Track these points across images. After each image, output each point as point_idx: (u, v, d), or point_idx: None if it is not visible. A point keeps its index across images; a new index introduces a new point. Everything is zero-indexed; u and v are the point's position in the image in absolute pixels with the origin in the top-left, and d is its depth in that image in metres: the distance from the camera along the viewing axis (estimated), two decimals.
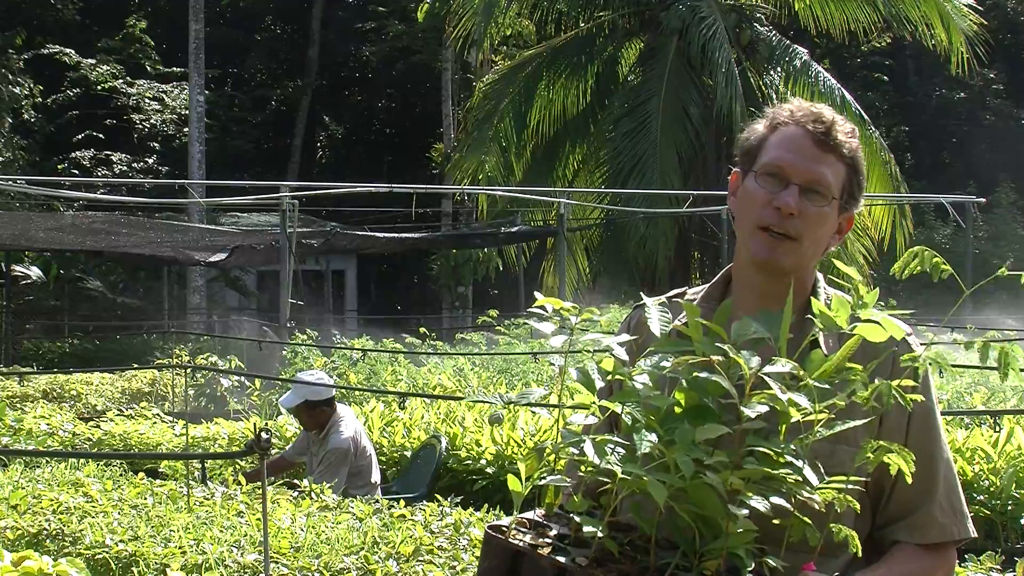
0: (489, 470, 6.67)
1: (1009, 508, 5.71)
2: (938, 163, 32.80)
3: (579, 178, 20.46)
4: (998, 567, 4.17)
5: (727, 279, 1.99)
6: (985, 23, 19.66)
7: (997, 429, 6.42)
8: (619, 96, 19.71)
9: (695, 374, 1.62)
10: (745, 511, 1.55)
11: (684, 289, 2.04)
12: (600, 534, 1.59)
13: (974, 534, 1.88)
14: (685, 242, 19.50)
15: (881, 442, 1.64)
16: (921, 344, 1.91)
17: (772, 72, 19.49)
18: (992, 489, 5.77)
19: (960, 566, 4.10)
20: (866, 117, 19.77)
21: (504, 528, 1.67)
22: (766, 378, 1.59)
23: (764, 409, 1.58)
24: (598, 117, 20.27)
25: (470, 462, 6.81)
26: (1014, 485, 5.74)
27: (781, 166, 1.86)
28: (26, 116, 25.60)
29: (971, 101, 33.33)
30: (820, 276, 1.96)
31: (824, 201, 1.85)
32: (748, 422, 1.58)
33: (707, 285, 2.01)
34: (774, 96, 18.39)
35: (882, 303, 1.68)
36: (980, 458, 5.97)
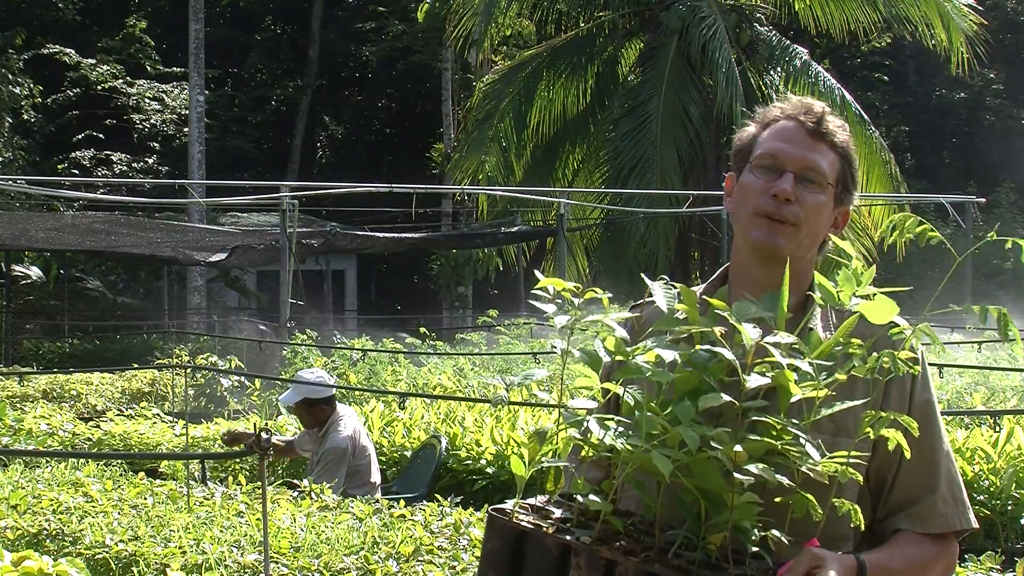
0: (489, 470, 6.68)
1: (1009, 508, 5.71)
2: (938, 163, 32.79)
3: (579, 178, 20.45)
4: (998, 567, 4.17)
5: (724, 276, 2.00)
6: (985, 23, 19.65)
7: (997, 429, 6.42)
8: (619, 96, 19.70)
9: (697, 348, 1.64)
10: (750, 479, 1.55)
11: None
12: (605, 510, 1.60)
13: (976, 525, 1.89)
14: (685, 242, 19.49)
15: (881, 412, 1.65)
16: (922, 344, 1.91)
17: (772, 72, 19.47)
18: (992, 489, 5.77)
19: (960, 566, 4.09)
20: (866, 117, 19.75)
21: (507, 511, 1.68)
22: (768, 347, 1.60)
23: (766, 380, 1.60)
24: (598, 117, 20.26)
25: (470, 462, 6.81)
26: (1014, 485, 5.74)
27: (775, 155, 1.89)
28: (26, 116, 25.60)
29: (971, 101, 33.33)
30: (818, 274, 1.96)
31: (819, 188, 1.88)
32: (749, 392, 1.59)
33: (705, 283, 2.02)
34: (774, 96, 18.26)
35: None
36: (980, 458, 5.97)
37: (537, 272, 1.77)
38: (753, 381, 1.59)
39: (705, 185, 18.00)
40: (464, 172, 20.07)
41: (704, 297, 1.70)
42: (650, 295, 2.11)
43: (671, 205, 17.68)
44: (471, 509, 4.80)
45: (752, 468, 1.55)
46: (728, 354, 1.60)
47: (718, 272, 2.02)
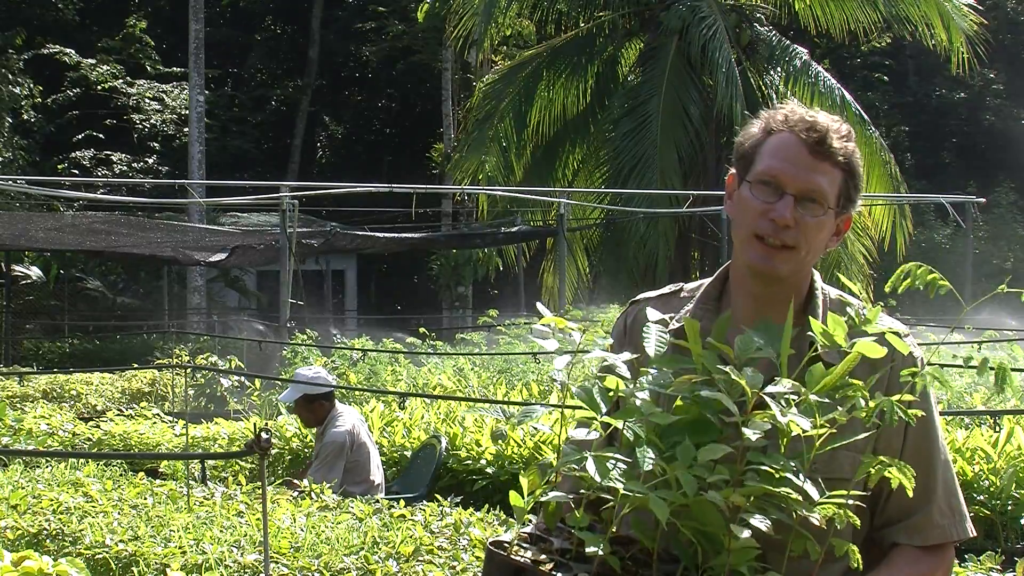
0: (489, 470, 6.67)
1: (1009, 508, 5.70)
2: (938, 163, 32.78)
3: (579, 178, 20.44)
4: (998, 567, 4.17)
5: (724, 277, 1.98)
6: (985, 23, 19.65)
7: (997, 429, 6.41)
8: (619, 96, 19.69)
9: (697, 391, 1.63)
10: (747, 531, 1.55)
11: (680, 285, 2.03)
12: (602, 549, 1.58)
13: (973, 533, 1.88)
14: (685, 242, 19.48)
15: (881, 457, 1.65)
16: (919, 344, 1.91)
17: (772, 72, 19.47)
18: (992, 489, 5.77)
19: (960, 566, 4.09)
20: (866, 117, 19.76)
21: (506, 544, 1.67)
22: (767, 399, 1.59)
23: (766, 427, 1.58)
24: (598, 117, 20.25)
25: (470, 462, 6.81)
26: (1014, 485, 5.73)
27: (776, 176, 1.84)
28: (26, 116, 25.60)
29: (971, 101, 33.32)
30: (817, 275, 1.94)
31: (820, 210, 1.84)
32: (749, 440, 1.58)
33: (705, 282, 2.00)
34: (774, 96, 18.38)
35: (881, 303, 1.68)
36: (980, 458, 5.97)
37: (544, 308, 1.75)
38: (751, 432, 1.58)
39: (705, 185, 17.99)
40: (464, 172, 20.06)
41: (711, 342, 1.67)
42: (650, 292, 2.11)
43: (671, 205, 17.68)
44: (471, 509, 4.80)
45: (754, 522, 1.55)
46: (728, 403, 1.58)
47: (717, 273, 2.00)
